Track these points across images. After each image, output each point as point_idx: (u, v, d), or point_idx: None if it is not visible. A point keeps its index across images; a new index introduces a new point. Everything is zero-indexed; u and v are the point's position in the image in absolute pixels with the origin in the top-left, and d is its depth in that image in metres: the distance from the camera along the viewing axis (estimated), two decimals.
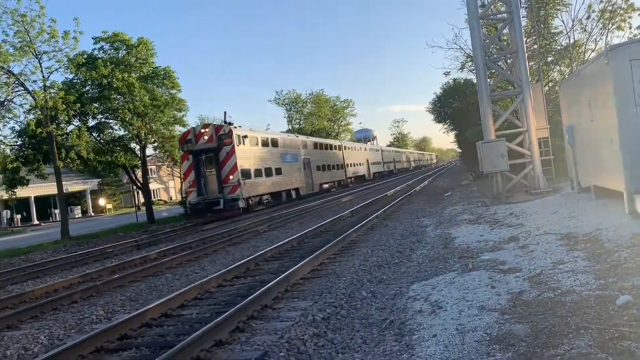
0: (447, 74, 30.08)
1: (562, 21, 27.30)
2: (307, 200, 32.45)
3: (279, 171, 30.54)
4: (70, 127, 26.43)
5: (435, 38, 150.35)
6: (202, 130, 25.60)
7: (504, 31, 19.35)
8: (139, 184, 30.52)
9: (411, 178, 51.83)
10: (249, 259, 10.98)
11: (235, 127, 26.35)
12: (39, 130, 22.35)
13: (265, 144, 29.55)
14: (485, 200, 16.47)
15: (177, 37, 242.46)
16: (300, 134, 44.57)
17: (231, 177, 24.57)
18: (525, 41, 19.68)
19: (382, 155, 65.44)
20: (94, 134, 28.00)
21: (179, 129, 30.57)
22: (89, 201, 57.16)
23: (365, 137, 78.41)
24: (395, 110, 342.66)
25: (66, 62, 23.95)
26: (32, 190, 42.68)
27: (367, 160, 56.03)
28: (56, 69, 24.08)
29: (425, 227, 14.10)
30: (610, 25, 23.65)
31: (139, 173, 30.80)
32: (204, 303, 8.03)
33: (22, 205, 50.35)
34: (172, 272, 11.67)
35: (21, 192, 29.39)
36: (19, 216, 52.09)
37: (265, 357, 5.28)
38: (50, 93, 23.22)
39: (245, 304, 6.80)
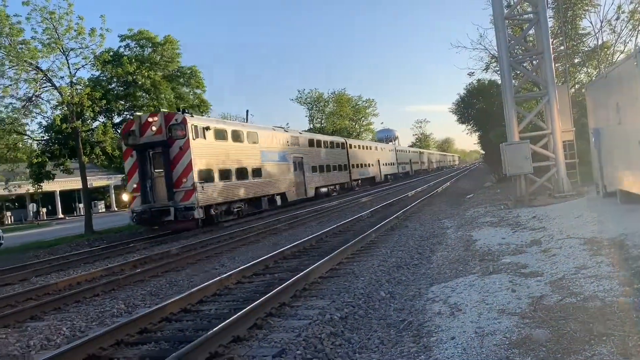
0: (471, 74, 29.94)
1: (590, 22, 27.06)
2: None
3: (257, 173, 24.89)
4: (96, 124, 26.91)
5: (460, 38, 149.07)
6: (149, 120, 19.96)
7: (530, 32, 19.04)
8: None
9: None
10: None
11: (192, 116, 21.11)
12: (64, 125, 22.78)
13: (237, 138, 23.77)
14: (508, 203, 16.26)
15: (203, 37, 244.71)
16: (321, 133, 42.45)
17: (184, 179, 19.28)
18: (552, 42, 19.35)
19: (396, 156, 61.09)
20: (119, 131, 28.43)
21: None
22: (113, 196, 58.02)
23: (387, 137, 77.83)
24: (419, 110, 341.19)
25: (92, 59, 24.43)
26: (58, 184, 43.67)
27: (378, 161, 51.52)
28: (82, 66, 24.50)
29: (446, 228, 13.99)
30: None
31: None
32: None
33: (47, 199, 51.54)
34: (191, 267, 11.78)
35: (47, 186, 30.01)
36: (44, 210, 53.36)
37: (283, 354, 5.29)
38: (76, 89, 23.69)
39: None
